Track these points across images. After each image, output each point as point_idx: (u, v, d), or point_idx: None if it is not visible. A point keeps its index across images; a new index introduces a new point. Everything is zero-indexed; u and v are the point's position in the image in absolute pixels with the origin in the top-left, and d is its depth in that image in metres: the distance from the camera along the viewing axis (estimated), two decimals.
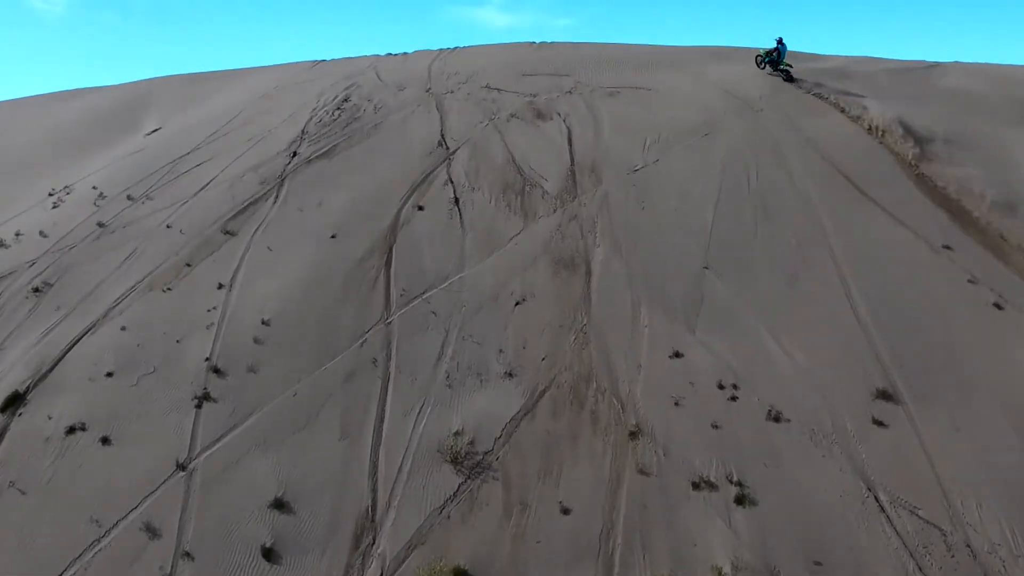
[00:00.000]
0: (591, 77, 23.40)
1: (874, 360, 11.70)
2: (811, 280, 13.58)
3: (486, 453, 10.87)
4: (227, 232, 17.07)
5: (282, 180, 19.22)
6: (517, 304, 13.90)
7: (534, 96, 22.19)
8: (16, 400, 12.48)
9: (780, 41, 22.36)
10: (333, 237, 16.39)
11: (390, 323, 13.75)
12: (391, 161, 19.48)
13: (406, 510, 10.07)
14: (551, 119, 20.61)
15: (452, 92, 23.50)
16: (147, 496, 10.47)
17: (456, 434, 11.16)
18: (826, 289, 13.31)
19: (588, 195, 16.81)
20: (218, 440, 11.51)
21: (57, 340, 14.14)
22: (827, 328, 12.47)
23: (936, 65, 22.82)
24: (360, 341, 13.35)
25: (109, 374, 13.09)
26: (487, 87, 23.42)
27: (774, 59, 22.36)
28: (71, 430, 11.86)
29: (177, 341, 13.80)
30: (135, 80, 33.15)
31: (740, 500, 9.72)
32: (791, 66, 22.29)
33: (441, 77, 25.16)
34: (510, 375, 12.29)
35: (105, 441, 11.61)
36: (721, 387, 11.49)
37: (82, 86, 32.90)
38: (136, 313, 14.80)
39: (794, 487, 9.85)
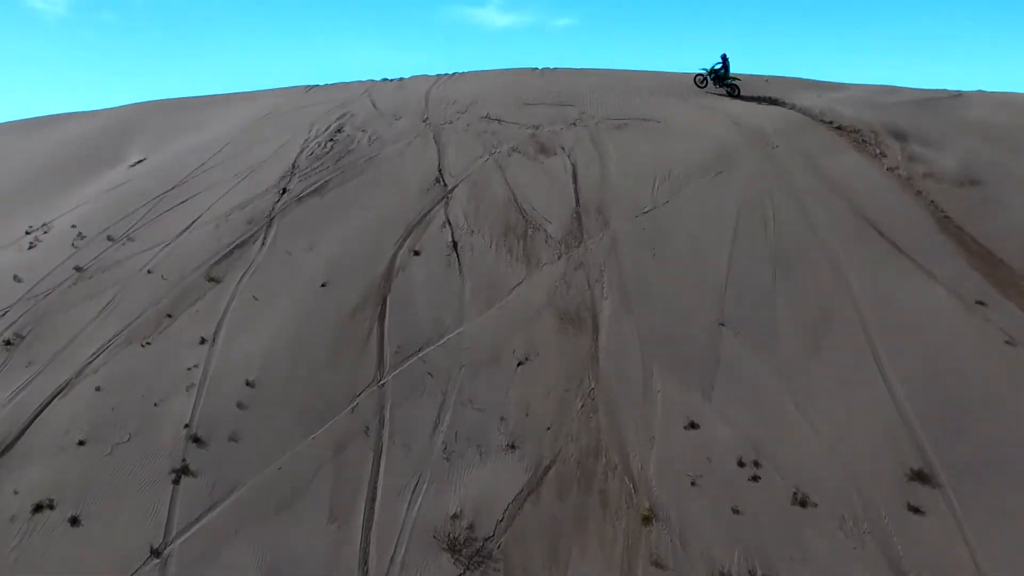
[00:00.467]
0: (596, 107, 23.01)
1: (907, 434, 11.14)
2: (835, 340, 13.04)
3: (487, 539, 10.30)
4: (211, 279, 16.58)
5: (270, 220, 18.77)
6: (520, 364, 13.37)
7: (536, 128, 21.78)
8: None
9: (725, 57, 23.84)
10: (323, 286, 15.90)
11: (383, 385, 13.22)
12: (386, 199, 19.03)
13: None
14: (555, 154, 20.18)
15: (450, 122, 23.11)
16: None
17: (454, 517, 10.61)
18: (852, 350, 12.77)
19: (594, 240, 16.32)
20: (196, 521, 10.96)
21: (27, 401, 13.63)
22: (855, 396, 11.92)
23: (960, 95, 22.41)
24: (351, 406, 12.82)
25: (81, 442, 12.57)
26: (487, 117, 23.03)
27: (719, 74, 23.62)
28: (38, 508, 11.33)
29: (155, 404, 13.29)
30: (122, 104, 32.83)
31: None
32: (738, 79, 23.55)
33: (439, 105, 24.79)
34: (512, 447, 11.75)
35: (74, 521, 11.08)
36: (741, 464, 10.93)
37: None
38: (112, 371, 14.29)
39: None
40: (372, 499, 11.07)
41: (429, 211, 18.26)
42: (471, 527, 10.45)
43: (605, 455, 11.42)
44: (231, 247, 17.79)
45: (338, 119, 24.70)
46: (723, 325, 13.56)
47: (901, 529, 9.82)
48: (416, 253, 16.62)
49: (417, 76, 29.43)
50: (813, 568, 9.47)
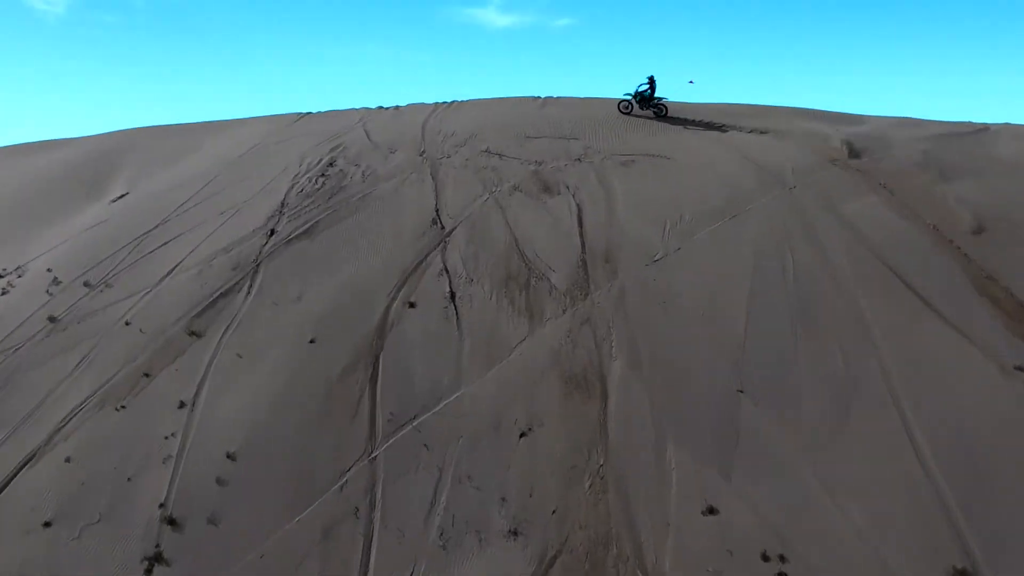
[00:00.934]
0: (601, 140, 22.53)
1: (946, 521, 10.51)
2: (864, 410, 12.43)
3: None
4: (192, 333, 16.01)
5: (257, 265, 18.22)
6: (522, 435, 12.77)
7: (539, 164, 21.28)
8: None
9: (652, 79, 24.32)
10: (312, 342, 15.33)
11: (375, 459, 12.62)
12: (380, 243, 18.49)
13: None
14: (558, 193, 19.66)
15: (448, 156, 22.63)
16: None
17: None
18: (882, 422, 12.16)
19: (602, 291, 15.76)
20: None
21: None
22: (887, 476, 11.30)
23: (985, 129, 21.91)
24: (340, 483, 12.22)
25: (47, 523, 12.00)
26: (487, 151, 22.55)
27: (645, 96, 24.09)
28: None
29: (128, 479, 12.70)
30: (107, 132, 32.46)
31: None
32: (664, 98, 24.17)
33: (436, 138, 24.33)
34: (515, 533, 11.13)
35: None
36: (766, 559, 10.30)
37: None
38: (84, 438, 13.72)
39: None
40: None
41: (425, 257, 17.71)
42: None
43: (616, 544, 10.79)
44: (215, 296, 17.23)
45: (330, 151, 24.23)
46: (742, 392, 12.96)
47: None
48: (411, 305, 16.05)
49: (414, 104, 29.01)
50: None
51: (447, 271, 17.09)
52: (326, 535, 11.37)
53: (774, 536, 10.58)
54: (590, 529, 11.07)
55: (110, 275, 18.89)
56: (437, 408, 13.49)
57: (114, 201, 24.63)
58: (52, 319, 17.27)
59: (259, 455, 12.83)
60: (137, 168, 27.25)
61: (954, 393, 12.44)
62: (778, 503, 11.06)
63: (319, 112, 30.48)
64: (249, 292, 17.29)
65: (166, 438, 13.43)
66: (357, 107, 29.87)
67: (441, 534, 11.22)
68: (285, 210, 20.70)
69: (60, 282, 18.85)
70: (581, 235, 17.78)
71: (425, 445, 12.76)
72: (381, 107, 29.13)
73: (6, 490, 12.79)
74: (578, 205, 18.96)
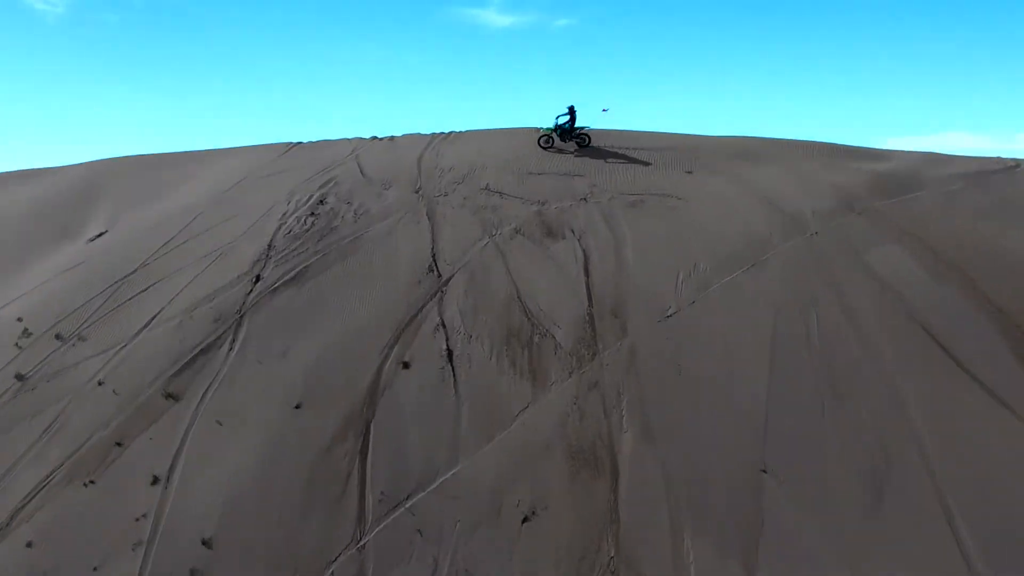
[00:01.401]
0: (608, 178, 21.96)
1: None
2: (898, 491, 11.75)
3: None
4: (169, 395, 15.38)
5: (240, 317, 17.59)
6: (525, 520, 12.08)
7: (542, 204, 20.70)
8: None
9: (572, 109, 24.15)
10: (298, 407, 14.69)
11: (364, 547, 11.92)
12: (371, 293, 17.87)
13: None
14: (563, 237, 19.06)
15: (446, 195, 22.05)
16: None
17: None
18: (918, 505, 11.50)
19: (610, 351, 15.11)
20: None
21: None
22: (924, 566, 10.59)
23: (1017, 166, 21.32)
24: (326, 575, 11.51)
25: None
26: (487, 189, 21.97)
27: (565, 128, 23.97)
28: None
29: (94, 568, 12.03)
30: (89, 160, 31.94)
31: None
32: (586, 127, 24.24)
33: (433, 173, 23.76)
34: None
35: None
36: None
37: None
38: (48, 519, 13.08)
39: None
40: None
41: (421, 308, 17.09)
42: None
43: None
44: (194, 352, 16.60)
45: (321, 187, 23.65)
46: (765, 472, 12.27)
47: None
48: (405, 365, 15.41)
49: (410, 134, 28.46)
50: None
51: (444, 326, 16.46)
52: None
53: None
54: None
55: (84, 326, 18.27)
56: (433, 486, 12.82)
57: (91, 240, 24.05)
58: (20, 377, 16.64)
59: (237, 541, 12.15)
60: (117, 203, 26.67)
61: (995, 472, 11.80)
62: None
63: (310, 142, 29.95)
64: (231, 348, 16.66)
65: (137, 520, 12.77)
66: (350, 136, 29.32)
67: None
68: (272, 253, 20.10)
69: (31, 333, 18.23)
70: (588, 285, 17.16)
71: (419, 531, 12.08)
72: (375, 137, 28.61)
73: None
74: (584, 251, 18.35)
